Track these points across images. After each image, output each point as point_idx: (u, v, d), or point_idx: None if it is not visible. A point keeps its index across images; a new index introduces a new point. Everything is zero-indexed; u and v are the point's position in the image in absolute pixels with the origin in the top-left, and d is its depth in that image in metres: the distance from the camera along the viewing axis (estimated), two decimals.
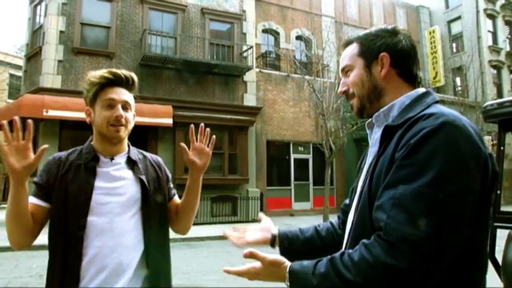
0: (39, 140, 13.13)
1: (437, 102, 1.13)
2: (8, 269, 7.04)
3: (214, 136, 1.71)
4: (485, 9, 24.41)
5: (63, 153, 1.69)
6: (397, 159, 0.97)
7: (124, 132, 1.65)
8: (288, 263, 1.05)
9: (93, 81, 1.64)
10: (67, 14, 13.47)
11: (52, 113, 12.12)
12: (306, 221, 13.26)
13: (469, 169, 0.91)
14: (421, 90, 1.16)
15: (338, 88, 15.72)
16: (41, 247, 9.02)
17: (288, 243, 1.42)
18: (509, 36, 26.05)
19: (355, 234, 1.09)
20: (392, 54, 1.15)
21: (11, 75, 27.86)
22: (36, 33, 14.43)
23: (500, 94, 24.57)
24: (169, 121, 13.29)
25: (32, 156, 1.45)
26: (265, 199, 15.13)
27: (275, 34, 18.70)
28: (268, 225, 1.53)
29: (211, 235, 10.47)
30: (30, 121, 1.42)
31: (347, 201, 1.38)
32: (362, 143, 17.54)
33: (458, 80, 24.59)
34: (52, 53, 13.13)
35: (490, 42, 24.67)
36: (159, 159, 1.84)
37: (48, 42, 13.17)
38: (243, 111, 13.86)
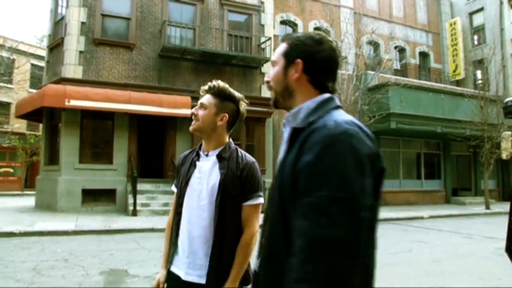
0: (62, 129, 13.44)
1: (338, 107, 1.21)
2: (35, 252, 7.29)
3: None
4: (509, 0, 23.79)
5: (188, 151, 2.17)
6: (303, 165, 1.06)
7: (194, 125, 1.99)
8: None
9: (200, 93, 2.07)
10: (88, 5, 13.67)
11: (74, 102, 12.38)
12: None
13: (365, 169, 1.02)
14: (326, 95, 1.23)
15: (356, 81, 15.71)
16: (64, 233, 9.32)
17: None
18: None
19: (269, 231, 1.22)
20: (306, 62, 1.23)
21: (33, 66, 28.39)
22: (58, 24, 14.69)
23: None
24: (187, 112, 13.39)
25: None
26: None
27: (293, 25, 18.64)
28: None
29: None
30: None
31: None
32: (379, 135, 17.46)
33: (479, 73, 24.12)
34: (74, 43, 13.36)
35: None
36: (249, 163, 2.00)
37: (70, 33, 13.40)
38: (261, 103, 13.89)
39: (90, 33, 13.61)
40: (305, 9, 18.86)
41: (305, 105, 1.21)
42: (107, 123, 13.93)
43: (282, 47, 1.31)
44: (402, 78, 19.06)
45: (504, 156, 8.18)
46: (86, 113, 13.30)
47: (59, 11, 14.84)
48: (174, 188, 2.17)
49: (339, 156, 1.00)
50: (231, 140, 2.07)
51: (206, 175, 1.95)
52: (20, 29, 60.32)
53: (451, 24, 23.87)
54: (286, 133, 1.26)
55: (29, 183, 28.04)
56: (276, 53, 1.33)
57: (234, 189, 1.91)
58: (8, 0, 61.26)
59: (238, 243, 1.88)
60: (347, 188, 0.98)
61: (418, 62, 23.07)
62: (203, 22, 15.15)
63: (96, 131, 14.13)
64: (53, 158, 14.17)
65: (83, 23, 13.55)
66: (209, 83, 2.01)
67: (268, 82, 1.34)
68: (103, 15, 13.89)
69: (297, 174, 1.08)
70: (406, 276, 5.98)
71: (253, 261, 1.36)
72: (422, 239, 9.53)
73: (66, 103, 12.31)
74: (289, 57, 1.27)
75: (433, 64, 23.68)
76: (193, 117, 1.98)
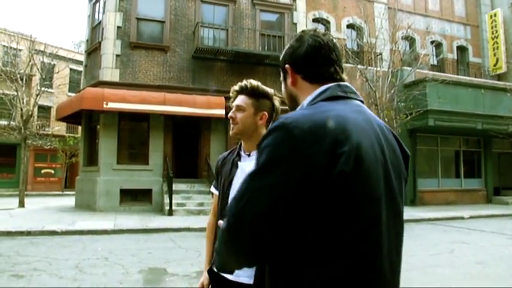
0: (100, 131, 13.83)
1: (331, 98, 1.13)
2: (76, 250, 7.52)
3: None
4: None
5: (226, 153, 2.17)
6: None
7: (235, 129, 1.98)
8: None
9: (231, 95, 2.05)
10: (124, 10, 14.01)
11: (112, 105, 12.72)
12: None
13: (283, 168, 0.97)
14: (321, 88, 1.17)
15: (391, 77, 15.34)
16: (103, 231, 9.57)
17: None
18: None
19: None
20: (292, 63, 1.23)
21: (72, 70, 29.39)
22: (96, 29, 15.13)
23: None
24: (221, 112, 13.52)
25: None
26: None
27: (326, 23, 18.41)
28: None
29: None
30: None
31: None
32: (416, 133, 17.00)
33: None
34: (110, 47, 13.73)
35: None
36: None
37: (106, 37, 13.78)
38: None
39: (126, 37, 13.94)
40: (337, 6, 18.59)
41: (300, 105, 1.21)
42: (143, 125, 14.23)
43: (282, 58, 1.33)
44: (440, 73, 18.46)
45: None
46: (123, 115, 13.64)
47: (96, 16, 15.30)
48: (213, 190, 2.17)
49: (267, 149, 1.02)
50: None
51: None
52: (59, 36, 62.66)
53: (491, 16, 22.91)
54: None
55: (68, 183, 29.05)
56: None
57: None
58: (47, 9, 63.82)
59: None
60: (255, 178, 1.02)
61: (455, 57, 22.29)
62: (235, 22, 15.22)
63: (133, 132, 14.46)
64: (91, 159, 14.61)
65: (119, 27, 13.90)
66: (239, 84, 1.99)
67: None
68: (138, 19, 14.21)
69: None
70: (449, 278, 5.77)
71: None
72: (464, 240, 9.19)
73: (104, 106, 12.66)
74: (282, 70, 1.28)
75: (471, 58, 22.81)
76: (231, 121, 1.96)
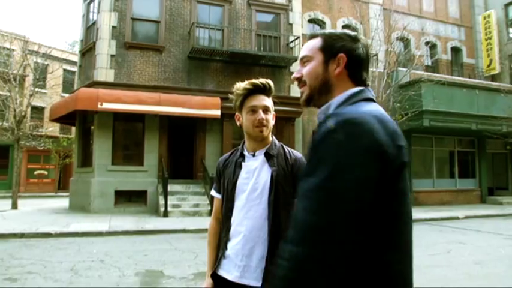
0: (94, 131, 13.72)
1: (367, 99, 1.19)
2: (71, 253, 7.43)
3: None
4: None
5: (228, 154, 2.12)
6: (307, 153, 1.11)
7: (266, 132, 1.95)
8: None
9: (238, 93, 1.96)
10: (119, 10, 13.91)
11: (106, 105, 12.61)
12: None
13: (365, 161, 0.99)
14: (356, 88, 1.22)
15: (387, 78, 15.37)
16: (98, 233, 9.49)
17: None
18: None
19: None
20: (348, 57, 1.24)
21: (65, 71, 29.21)
22: (90, 29, 15.01)
23: None
24: (217, 113, 13.47)
25: None
26: None
27: (321, 24, 18.41)
28: None
29: None
30: None
31: None
32: (412, 134, 17.03)
33: None
34: (105, 48, 13.62)
35: None
36: (299, 158, 1.99)
37: (101, 37, 13.67)
38: (290, 102, 13.75)
39: (121, 37, 13.84)
40: (333, 6, 18.61)
41: (335, 100, 1.22)
42: (137, 125, 14.13)
43: (316, 41, 1.30)
44: (434, 74, 18.53)
45: None
46: (117, 116, 13.53)
47: (91, 16, 15.17)
48: (214, 193, 2.12)
49: (335, 145, 1.01)
50: (274, 137, 2.05)
51: (255, 175, 1.92)
52: (52, 36, 62.26)
53: (484, 18, 23.06)
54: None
55: (62, 185, 28.87)
56: (308, 48, 1.31)
57: (286, 186, 1.89)
58: (41, 9, 63.40)
59: None
60: (336, 178, 0.98)
61: (450, 58, 22.40)
62: (231, 23, 15.17)
63: (128, 133, 14.36)
64: (86, 160, 14.49)
65: (113, 27, 13.79)
66: (260, 83, 1.94)
67: (298, 78, 1.31)
68: (133, 19, 14.11)
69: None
70: (447, 278, 5.76)
71: None
72: (461, 240, 9.20)
73: (99, 106, 12.55)
74: (329, 51, 1.26)
75: (465, 59, 22.94)
76: (265, 122, 1.92)
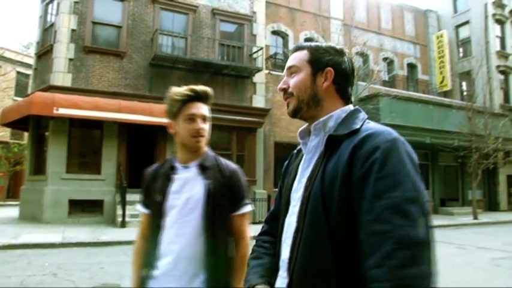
0: (49, 138, 13.16)
1: (367, 118, 1.25)
2: (20, 266, 7.02)
3: None
4: (493, 14, 24.34)
5: (157, 165, 1.97)
6: (367, 171, 1.04)
7: (203, 142, 1.84)
8: None
9: (176, 99, 1.83)
10: (79, 12, 13.49)
11: (62, 111, 12.12)
12: None
13: (419, 172, 1.06)
14: (352, 107, 1.28)
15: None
16: (51, 245, 9.03)
17: (269, 278, 1.31)
18: None
19: (307, 242, 1.13)
20: (336, 71, 1.26)
21: (19, 73, 27.95)
22: (48, 31, 14.45)
23: (507, 100, 24.49)
24: None
25: None
26: (272, 201, 15.07)
27: (284, 36, 18.71)
28: None
29: None
30: None
31: (273, 207, 1.49)
32: None
33: (464, 85, 24.51)
34: (63, 51, 13.15)
35: (498, 48, 24.59)
36: (235, 170, 1.90)
37: (59, 40, 13.19)
38: (252, 113, 13.84)
39: (80, 41, 13.41)
40: (296, 20, 18.95)
41: (335, 114, 1.24)
42: (95, 132, 13.67)
43: (304, 54, 1.30)
44: (392, 89, 19.22)
45: None
46: (74, 122, 13.04)
47: (49, 18, 14.61)
48: (141, 208, 1.94)
49: (402, 160, 1.03)
50: (208, 148, 1.92)
51: (188, 188, 1.79)
52: (6, 36, 59.53)
53: (438, 37, 24.26)
54: (313, 141, 1.26)
55: (11, 193, 27.43)
56: (295, 59, 1.31)
57: (222, 199, 1.78)
58: None
59: (235, 257, 1.80)
60: (416, 188, 1.00)
61: (406, 73, 23.35)
62: (195, 31, 15.08)
63: (85, 140, 13.85)
64: (39, 167, 13.83)
65: (73, 30, 13.35)
66: (200, 90, 1.83)
67: (285, 90, 1.31)
68: (94, 23, 13.72)
69: (354, 182, 1.06)
70: None
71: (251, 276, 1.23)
72: None
73: (55, 111, 12.04)
74: (316, 65, 1.27)
75: (420, 75, 23.99)
76: (203, 132, 1.80)
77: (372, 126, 1.16)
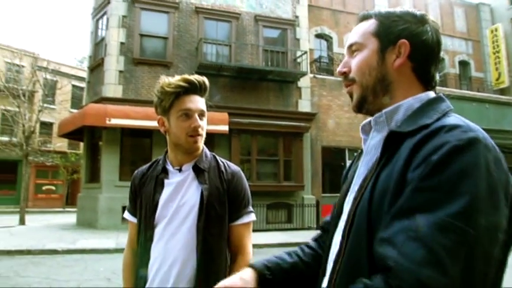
0: (102, 147, 13.72)
1: (452, 110, 0.94)
2: (78, 271, 7.33)
3: None
4: None
5: (145, 167, 1.72)
6: (412, 178, 0.78)
7: (200, 142, 1.61)
8: None
9: (167, 91, 1.58)
10: (127, 26, 14.03)
11: (114, 121, 12.61)
12: None
13: (500, 200, 0.75)
14: (432, 94, 0.97)
15: None
16: (106, 251, 9.35)
17: (269, 274, 1.10)
18: None
19: (348, 265, 0.89)
20: (413, 44, 0.95)
21: (74, 86, 29.49)
22: (99, 45, 15.13)
23: None
24: (225, 128, 13.41)
25: None
26: (320, 206, 14.87)
27: (328, 38, 18.45)
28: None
29: (269, 242, 10.39)
30: None
31: (328, 217, 1.17)
32: None
33: None
34: (113, 63, 13.70)
35: None
36: (236, 172, 1.67)
37: (109, 53, 13.76)
38: (298, 117, 13.73)
39: (129, 53, 13.92)
40: (339, 22, 18.66)
41: (405, 103, 0.94)
42: (145, 141, 14.10)
43: (369, 25, 1.00)
44: (444, 88, 18.42)
45: None
46: (125, 131, 13.53)
47: (99, 33, 15.30)
48: (129, 217, 1.73)
49: (469, 170, 0.73)
50: (205, 147, 1.70)
51: (181, 195, 1.56)
52: (61, 52, 63.22)
53: (492, 31, 23.01)
54: (373, 139, 0.98)
55: (70, 200, 28.88)
56: (358, 33, 1.02)
57: (220, 207, 1.55)
58: (50, 25, 64.52)
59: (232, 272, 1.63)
60: (469, 215, 0.70)
61: (458, 71, 22.31)
62: (238, 38, 15.23)
63: (136, 149, 14.34)
64: (93, 175, 14.46)
65: (122, 43, 13.89)
66: (196, 80, 1.59)
67: (345, 74, 1.02)
68: (141, 35, 14.21)
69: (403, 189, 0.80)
70: None
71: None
72: None
73: (107, 122, 12.55)
74: (386, 37, 0.97)
75: (474, 73, 22.84)
76: (200, 130, 1.58)
77: (449, 120, 0.86)
